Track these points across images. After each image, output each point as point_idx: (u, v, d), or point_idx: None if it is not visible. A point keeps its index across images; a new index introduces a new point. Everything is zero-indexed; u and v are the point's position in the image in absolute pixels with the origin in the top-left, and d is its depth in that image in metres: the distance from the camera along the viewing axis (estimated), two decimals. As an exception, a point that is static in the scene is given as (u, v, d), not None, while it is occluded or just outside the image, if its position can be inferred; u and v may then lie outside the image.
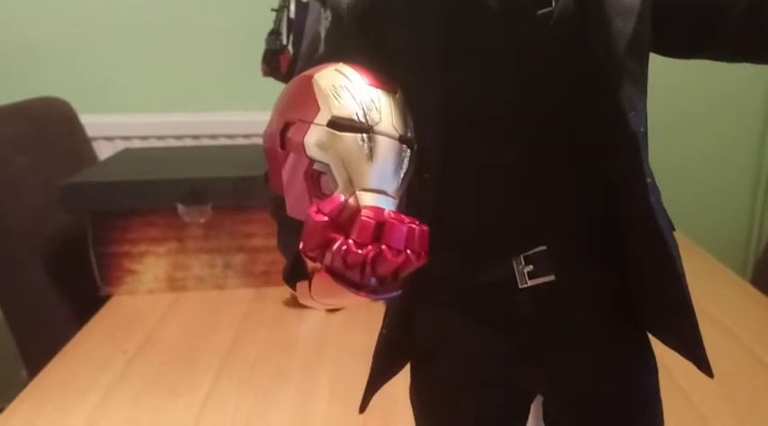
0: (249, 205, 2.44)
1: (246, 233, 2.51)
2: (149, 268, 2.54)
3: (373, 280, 0.60)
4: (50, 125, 2.93)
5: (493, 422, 0.82)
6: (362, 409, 0.85)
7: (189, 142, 3.54)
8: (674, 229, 0.73)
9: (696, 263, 2.77)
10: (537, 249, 0.70)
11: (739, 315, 2.28)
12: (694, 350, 0.76)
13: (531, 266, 0.70)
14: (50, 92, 3.05)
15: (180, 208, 2.37)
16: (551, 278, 0.69)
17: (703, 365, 0.76)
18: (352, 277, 0.57)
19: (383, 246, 0.55)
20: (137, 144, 3.51)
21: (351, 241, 0.55)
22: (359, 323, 2.31)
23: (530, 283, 0.71)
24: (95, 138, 3.52)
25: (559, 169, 0.66)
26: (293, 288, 0.68)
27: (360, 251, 0.55)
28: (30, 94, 2.92)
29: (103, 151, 3.46)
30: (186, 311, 2.49)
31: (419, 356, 0.83)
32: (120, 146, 3.42)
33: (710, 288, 2.48)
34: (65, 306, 2.56)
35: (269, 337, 2.28)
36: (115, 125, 3.59)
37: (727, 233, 3.23)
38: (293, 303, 2.49)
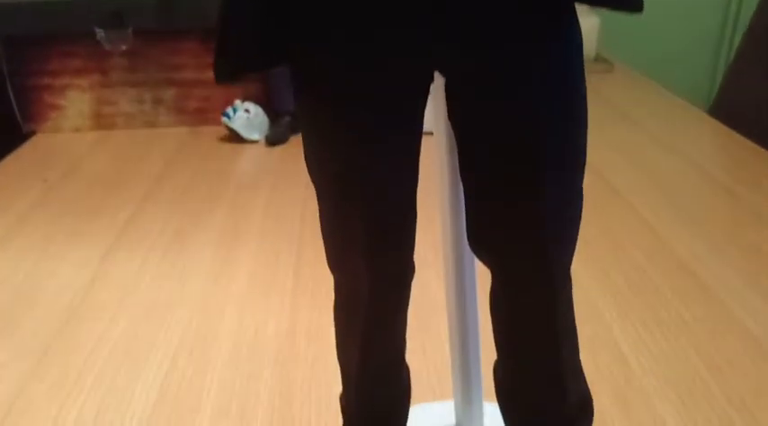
0: (174, 30, 2.24)
1: (175, 64, 2.32)
2: (73, 102, 2.35)
3: None
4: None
5: (391, 106, 0.72)
6: (218, 79, 0.69)
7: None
8: None
9: (659, 101, 2.71)
10: None
11: (695, 142, 2.24)
12: None
13: None
14: None
15: (99, 32, 2.16)
16: None
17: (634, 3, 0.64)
18: None
19: None
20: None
21: None
22: (299, 155, 2.20)
23: None
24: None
25: None
26: None
27: None
28: None
29: None
30: (114, 146, 2.33)
31: (304, 40, 0.70)
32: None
33: (672, 121, 2.42)
34: (-17, 144, 2.38)
35: (202, 166, 2.16)
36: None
37: (695, 75, 3.15)
38: (230, 138, 2.35)
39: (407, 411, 0.92)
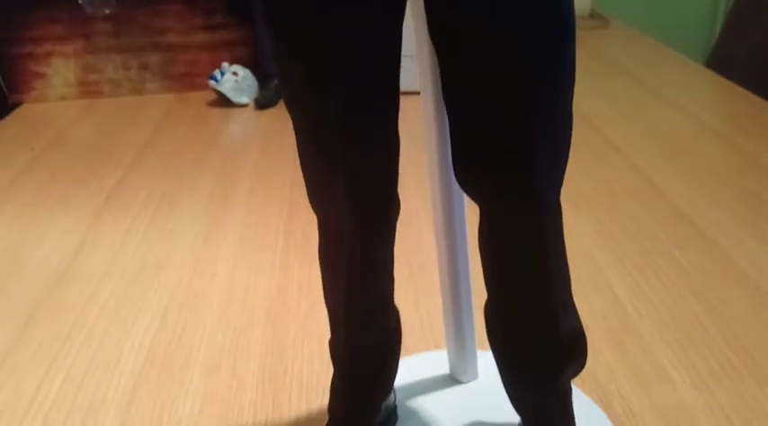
0: (160, -8, 2.19)
1: (160, 28, 2.27)
2: (58, 71, 2.30)
3: None
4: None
5: (367, 20, 0.69)
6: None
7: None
8: None
9: (655, 55, 2.66)
10: None
11: (692, 94, 2.20)
12: None
13: None
14: None
15: (80, -5, 2.11)
16: None
17: None
18: None
19: None
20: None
21: None
22: (289, 118, 2.16)
23: None
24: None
25: None
26: None
27: None
28: None
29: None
30: (101, 114, 2.29)
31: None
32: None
33: (669, 75, 2.38)
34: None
35: (190, 131, 2.12)
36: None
37: (692, 30, 3.11)
38: (218, 103, 2.31)
39: (398, 355, 0.90)
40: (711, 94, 2.22)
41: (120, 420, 1.02)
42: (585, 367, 1.06)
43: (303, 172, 0.78)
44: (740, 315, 1.18)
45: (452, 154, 0.75)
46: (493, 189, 0.73)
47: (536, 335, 0.79)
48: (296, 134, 0.76)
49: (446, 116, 0.76)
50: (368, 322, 0.83)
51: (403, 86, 0.75)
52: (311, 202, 0.80)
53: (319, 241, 0.83)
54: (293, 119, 0.75)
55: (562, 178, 0.73)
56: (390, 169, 0.75)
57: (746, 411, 0.98)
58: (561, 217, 0.75)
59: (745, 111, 2.03)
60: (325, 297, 0.86)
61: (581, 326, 0.82)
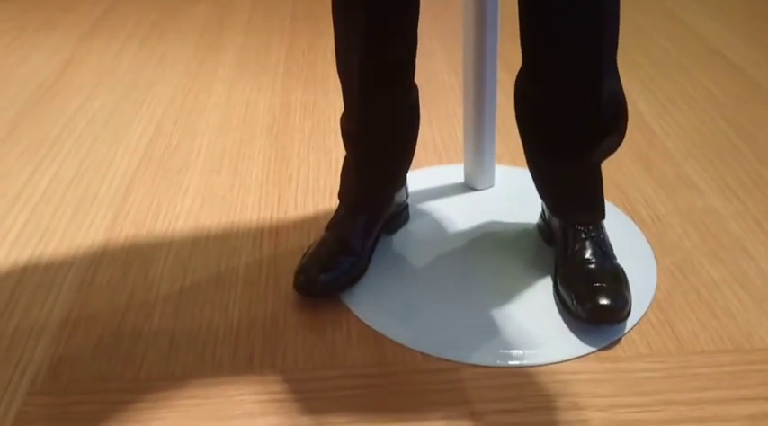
0: None
1: None
2: None
3: None
4: None
5: None
6: None
7: None
8: None
9: None
10: None
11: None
12: None
13: None
14: None
15: None
16: None
17: None
18: None
19: None
20: None
21: None
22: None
23: None
24: None
25: None
26: None
27: None
28: None
29: None
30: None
31: None
32: None
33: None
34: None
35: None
36: None
37: None
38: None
39: (413, 136, 0.82)
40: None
41: (113, 213, 0.96)
42: (608, 176, 1.00)
43: None
44: (773, 138, 1.11)
45: None
46: None
47: (576, 100, 0.72)
48: None
49: None
50: (384, 81, 0.74)
51: None
52: None
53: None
54: None
55: None
56: None
57: (779, 218, 0.93)
58: None
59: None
60: (338, 65, 0.77)
61: (623, 93, 0.75)
